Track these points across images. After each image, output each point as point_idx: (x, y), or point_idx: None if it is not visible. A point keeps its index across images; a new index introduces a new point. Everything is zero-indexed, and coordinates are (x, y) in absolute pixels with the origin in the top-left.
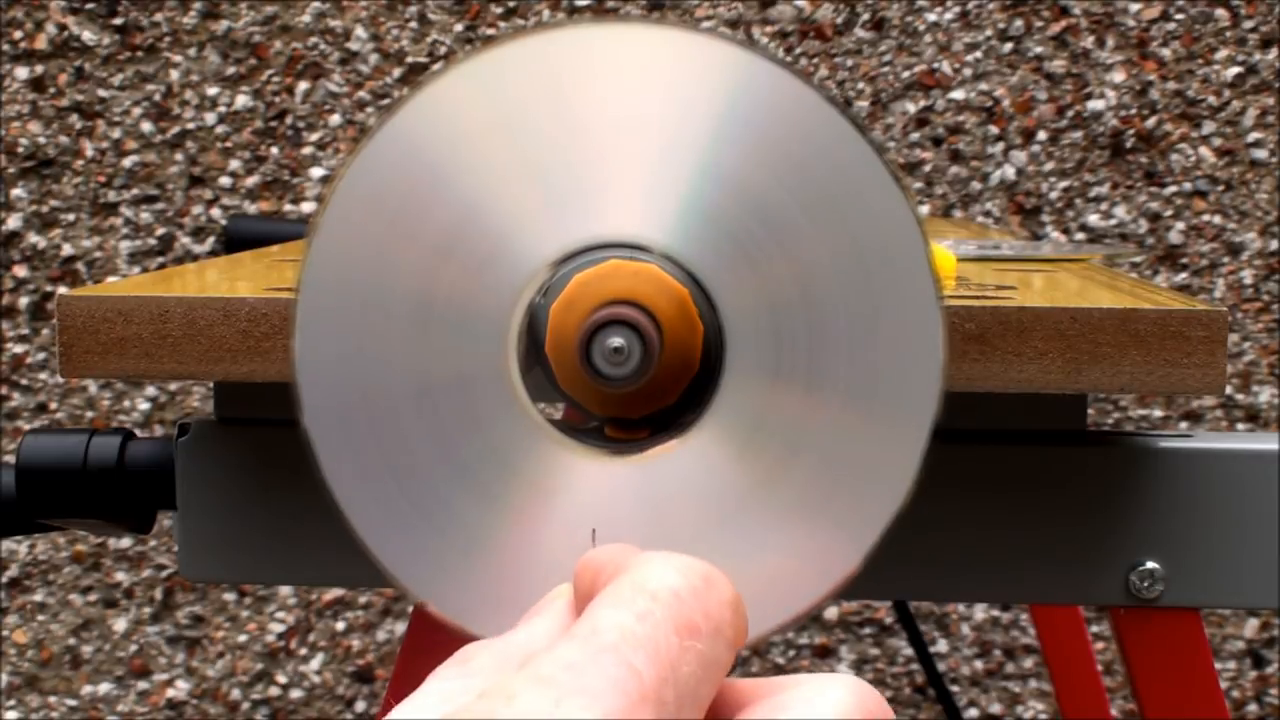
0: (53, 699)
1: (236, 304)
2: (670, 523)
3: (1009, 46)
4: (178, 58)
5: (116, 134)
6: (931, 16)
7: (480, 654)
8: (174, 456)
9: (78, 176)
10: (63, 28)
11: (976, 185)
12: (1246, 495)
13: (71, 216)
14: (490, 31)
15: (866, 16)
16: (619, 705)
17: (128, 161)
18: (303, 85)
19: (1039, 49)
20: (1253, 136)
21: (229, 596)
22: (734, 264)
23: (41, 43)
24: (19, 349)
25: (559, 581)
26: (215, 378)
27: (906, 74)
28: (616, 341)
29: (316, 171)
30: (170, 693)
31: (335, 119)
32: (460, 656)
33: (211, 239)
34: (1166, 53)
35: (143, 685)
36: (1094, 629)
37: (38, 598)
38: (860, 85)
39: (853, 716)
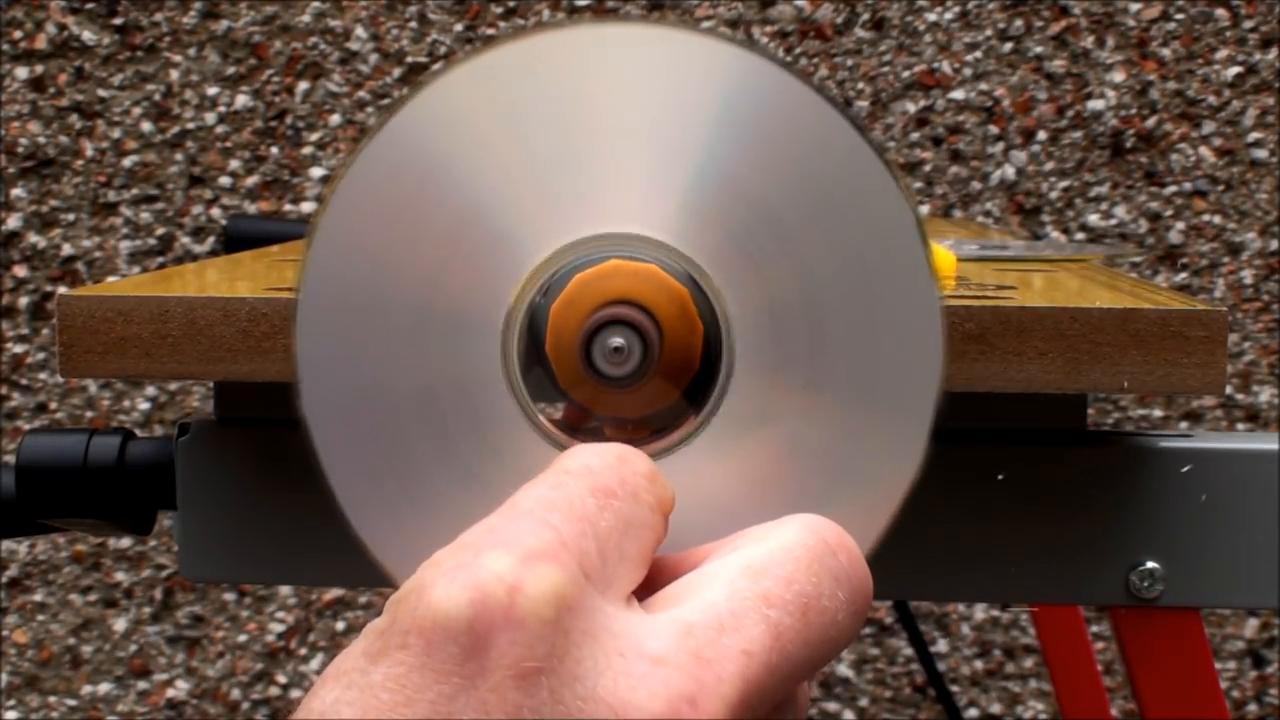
0: (53, 699)
1: (236, 304)
2: (670, 522)
3: (1009, 46)
4: (178, 58)
5: (116, 134)
6: (931, 16)
7: None
8: (174, 456)
9: (78, 176)
10: (63, 28)
11: (976, 185)
12: (1246, 495)
13: (71, 216)
14: (490, 31)
15: (866, 16)
16: (537, 551)
17: (128, 161)
18: (303, 85)
19: (1039, 49)
20: (1253, 136)
21: (229, 596)
22: (734, 264)
23: (41, 43)
24: (19, 349)
25: None
26: (215, 378)
27: (906, 74)
28: (617, 341)
29: (316, 171)
30: (170, 693)
31: (335, 119)
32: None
33: (211, 239)
34: (1166, 53)
35: (143, 685)
36: (1094, 629)
37: (38, 598)
38: (860, 85)
39: (805, 543)
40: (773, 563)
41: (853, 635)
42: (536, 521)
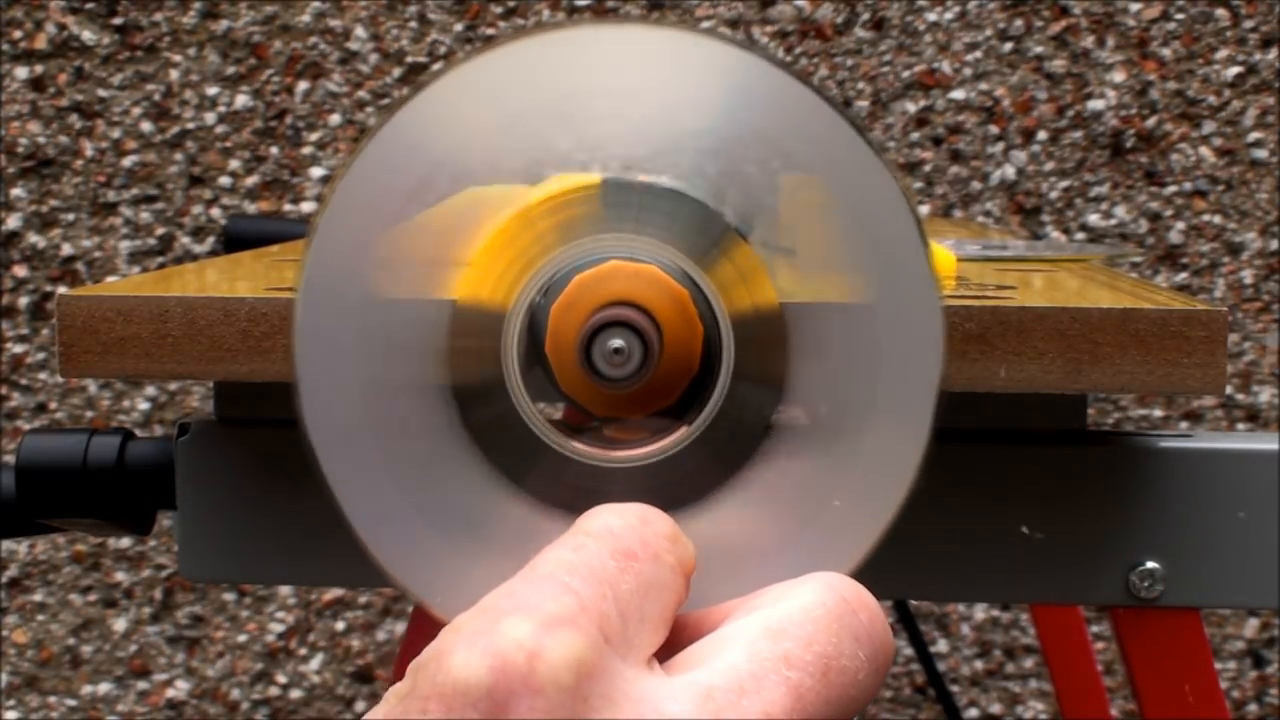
0: (53, 699)
1: (236, 304)
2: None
3: (1009, 46)
4: (178, 58)
5: (116, 134)
6: (931, 16)
7: None
8: (174, 456)
9: (78, 176)
10: (63, 28)
11: (976, 185)
12: (1246, 495)
13: (71, 216)
14: (490, 31)
15: (866, 16)
16: (557, 615)
17: (128, 161)
18: (303, 85)
19: (1039, 49)
20: (1253, 136)
21: (229, 596)
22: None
23: (41, 43)
24: (19, 349)
25: None
26: (215, 378)
27: (906, 74)
28: (616, 343)
29: (316, 171)
30: (170, 693)
31: (335, 119)
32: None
33: (211, 239)
34: (1166, 53)
35: (143, 685)
36: (1094, 629)
37: (38, 598)
38: (860, 85)
39: (825, 603)
40: (793, 623)
41: (874, 693)
42: (557, 585)
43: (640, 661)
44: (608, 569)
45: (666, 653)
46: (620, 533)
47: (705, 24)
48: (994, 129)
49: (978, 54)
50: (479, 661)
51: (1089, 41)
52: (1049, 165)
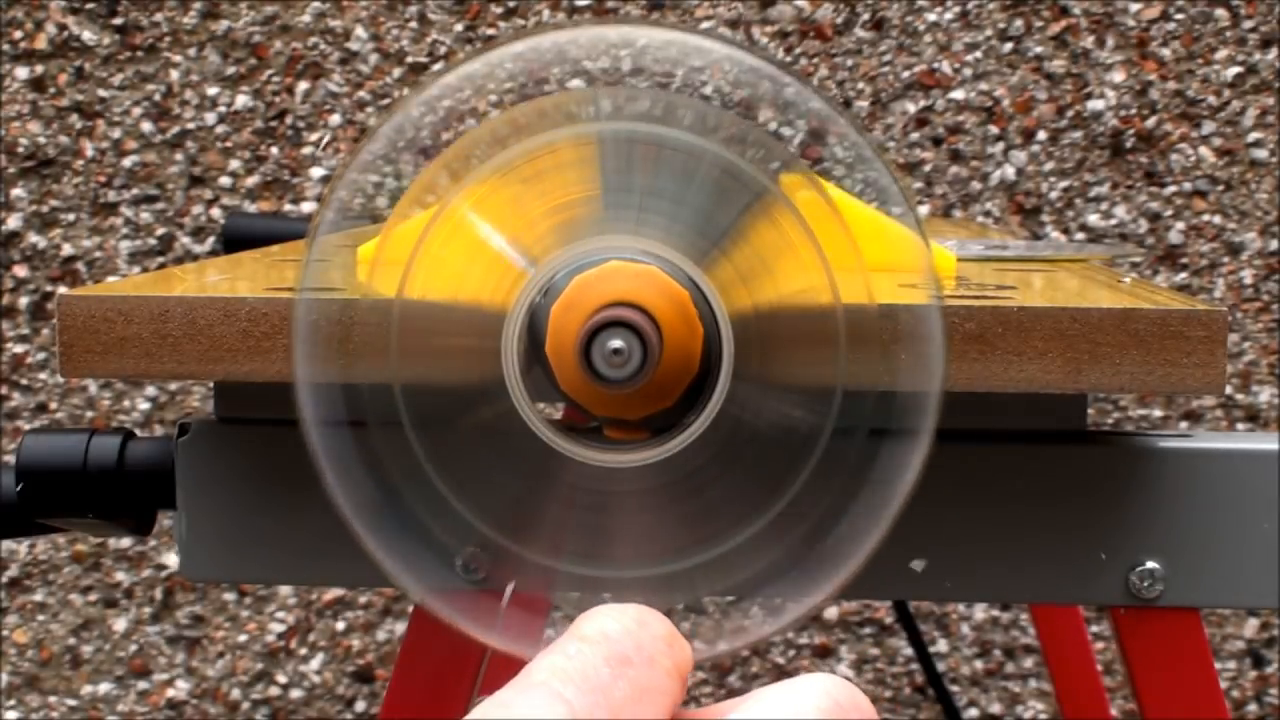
0: (53, 699)
1: (236, 304)
2: (670, 523)
3: (1009, 46)
4: (178, 58)
5: (116, 134)
6: (931, 16)
7: None
8: (174, 456)
9: (78, 176)
10: (63, 28)
11: (976, 185)
12: (1246, 495)
13: (71, 216)
14: (490, 31)
15: (866, 16)
16: None
17: (128, 161)
18: (303, 85)
19: (1039, 49)
20: (1253, 136)
21: (229, 596)
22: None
23: (41, 43)
24: (19, 349)
25: None
26: (215, 378)
27: (906, 74)
28: (616, 344)
29: (316, 171)
30: (170, 693)
31: (335, 119)
32: None
33: (211, 239)
34: (1166, 53)
35: (143, 685)
36: (1094, 629)
37: (38, 598)
38: (860, 85)
39: (818, 705)
40: None
41: None
42: (549, 695)
43: None
44: (601, 676)
45: None
46: (616, 637)
47: (705, 24)
48: (994, 129)
49: (978, 54)
50: None
51: (1089, 41)
52: (1049, 165)
